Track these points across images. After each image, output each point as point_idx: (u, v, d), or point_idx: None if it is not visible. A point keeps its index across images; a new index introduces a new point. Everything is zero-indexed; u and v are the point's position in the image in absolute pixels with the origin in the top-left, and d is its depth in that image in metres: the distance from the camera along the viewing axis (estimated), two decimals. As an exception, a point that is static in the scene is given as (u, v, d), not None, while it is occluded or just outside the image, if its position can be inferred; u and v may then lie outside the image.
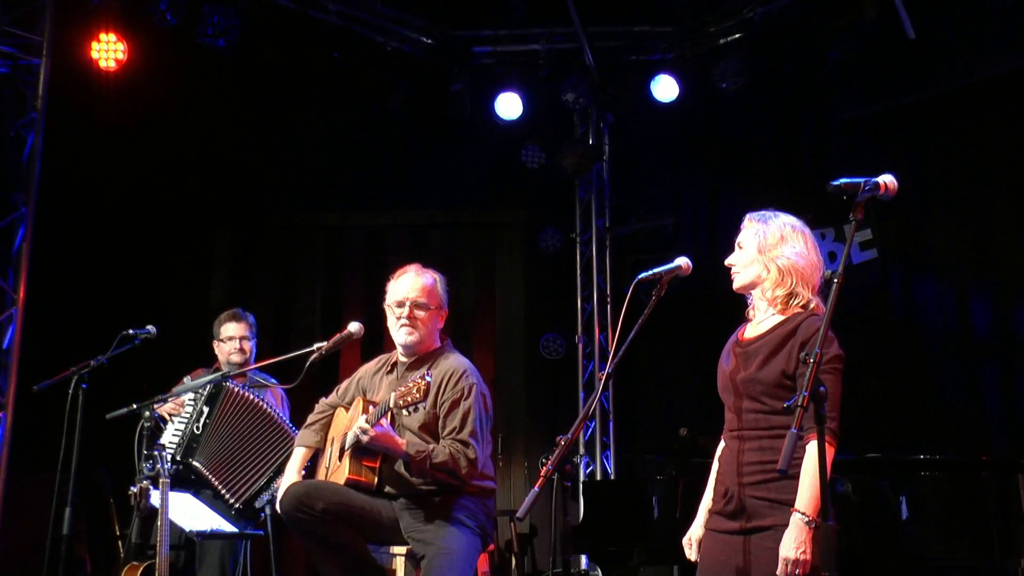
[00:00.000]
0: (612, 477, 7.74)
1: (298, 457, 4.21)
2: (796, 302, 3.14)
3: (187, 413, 5.03)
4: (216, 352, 5.38)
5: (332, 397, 4.34)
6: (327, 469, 4.14)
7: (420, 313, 4.06)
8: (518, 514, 3.19)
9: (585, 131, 7.97)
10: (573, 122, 8.00)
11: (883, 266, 7.38)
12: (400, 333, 4.10)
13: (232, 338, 5.29)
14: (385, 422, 3.80)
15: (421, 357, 4.11)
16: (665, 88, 7.34)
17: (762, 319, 3.22)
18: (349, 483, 3.88)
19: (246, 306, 5.53)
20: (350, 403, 4.20)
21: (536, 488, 3.10)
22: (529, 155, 7.86)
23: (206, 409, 4.98)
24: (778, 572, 2.86)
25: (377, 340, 7.09)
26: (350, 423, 4.00)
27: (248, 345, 5.31)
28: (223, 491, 4.89)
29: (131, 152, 7.10)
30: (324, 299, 8.20)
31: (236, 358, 5.25)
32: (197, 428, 4.96)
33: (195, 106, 7.01)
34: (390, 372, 4.21)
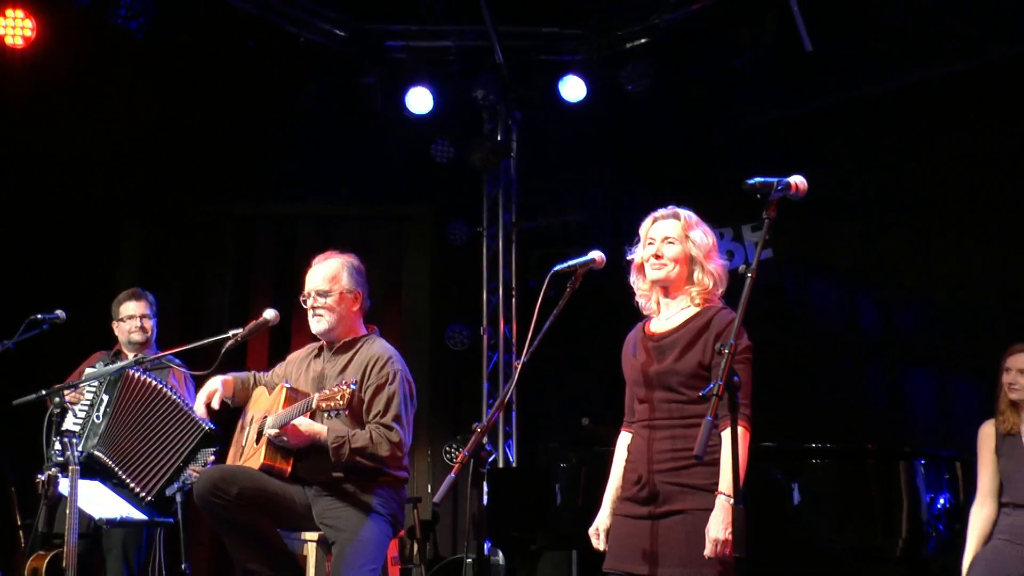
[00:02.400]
0: (515, 465, 7.83)
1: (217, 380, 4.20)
2: (707, 297, 3.27)
3: (87, 401, 4.93)
4: (116, 333, 5.26)
5: (265, 378, 4.33)
6: (242, 449, 4.14)
7: (323, 300, 4.09)
8: (435, 499, 3.25)
9: (494, 128, 8.01)
10: (482, 119, 8.02)
11: (778, 266, 7.62)
12: (311, 323, 4.14)
13: (132, 316, 5.19)
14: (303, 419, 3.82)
15: (346, 343, 4.15)
16: (573, 88, 7.42)
17: (671, 314, 3.31)
18: (264, 468, 3.89)
19: (154, 294, 5.44)
20: (275, 387, 4.20)
21: (452, 474, 3.17)
22: (439, 149, 7.89)
23: (106, 397, 4.88)
24: (707, 552, 2.96)
25: (285, 331, 7.09)
26: (270, 407, 4.00)
27: (149, 324, 5.21)
28: (132, 484, 4.82)
29: (38, 134, 6.89)
30: (234, 288, 8.11)
31: (137, 337, 5.16)
32: (98, 417, 4.87)
33: (106, 89, 6.82)
34: (317, 357, 4.23)
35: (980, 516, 4.40)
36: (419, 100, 7.54)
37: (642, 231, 3.35)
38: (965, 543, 4.39)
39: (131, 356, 5.03)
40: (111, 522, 4.72)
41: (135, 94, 7.00)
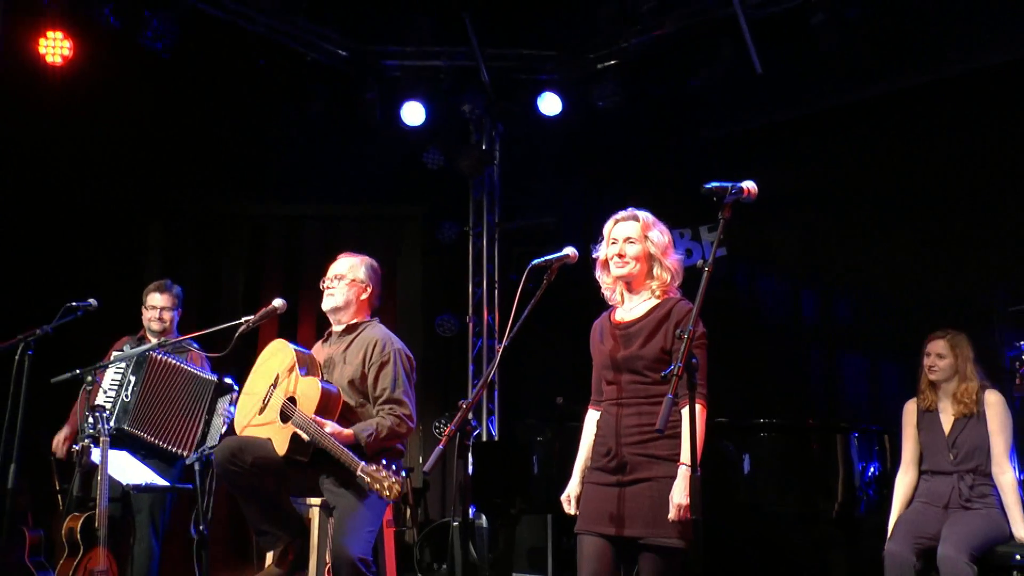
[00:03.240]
0: (497, 439, 7.85)
1: None
2: (665, 289, 3.31)
3: (116, 380, 4.93)
4: (142, 319, 5.28)
5: None
6: (262, 407, 4.03)
7: (336, 283, 4.14)
8: (425, 468, 3.26)
9: (480, 138, 8.01)
10: (469, 130, 8.03)
11: (731, 263, 7.66)
12: (324, 301, 4.17)
13: (155, 307, 5.20)
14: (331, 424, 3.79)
15: (349, 326, 4.16)
16: (550, 104, 7.44)
17: (634, 305, 3.34)
18: (285, 456, 3.82)
19: (180, 286, 5.44)
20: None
21: (441, 446, 3.17)
22: (430, 157, 7.91)
23: (133, 378, 4.90)
24: (670, 516, 3.02)
25: (292, 318, 7.08)
26: (297, 388, 3.92)
27: (168, 315, 5.22)
28: (174, 449, 4.89)
29: (74, 142, 6.86)
30: (246, 280, 8.09)
31: (155, 326, 5.18)
32: (127, 396, 4.87)
33: (134, 103, 6.80)
34: (324, 343, 4.23)
35: (903, 482, 4.44)
36: (413, 113, 7.53)
37: (605, 231, 3.39)
38: (891, 506, 4.42)
39: (153, 341, 5.05)
40: (137, 487, 4.72)
41: (160, 107, 6.99)
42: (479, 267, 8.13)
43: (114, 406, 4.84)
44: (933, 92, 6.57)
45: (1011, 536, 4.12)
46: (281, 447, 3.82)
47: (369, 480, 3.59)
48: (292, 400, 3.91)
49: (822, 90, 6.85)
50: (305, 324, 7.08)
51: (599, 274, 3.42)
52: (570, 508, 3.38)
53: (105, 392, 4.91)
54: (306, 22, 6.99)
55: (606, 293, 3.43)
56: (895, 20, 6.29)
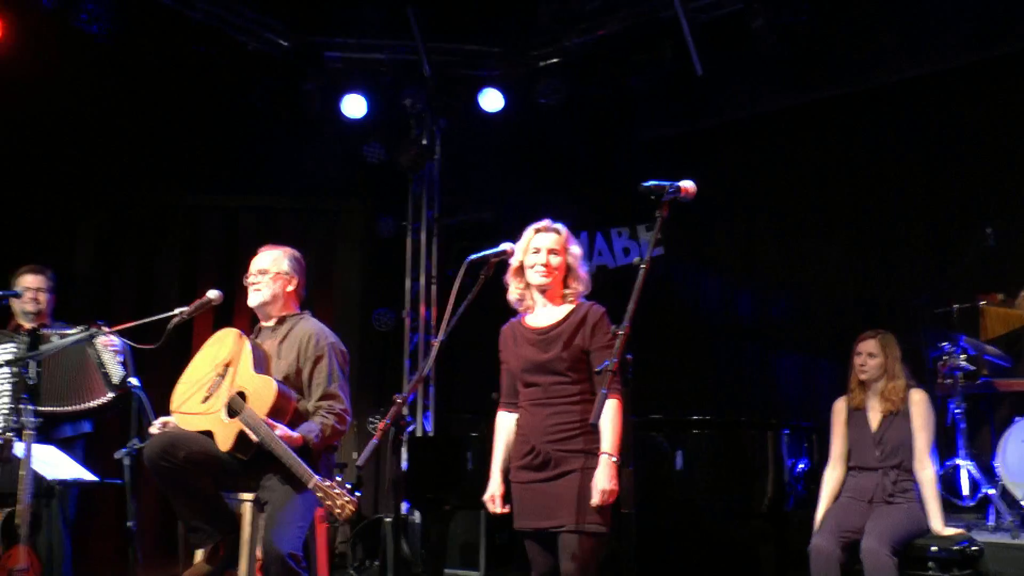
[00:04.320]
0: (431, 435, 7.83)
1: None
2: (576, 296, 3.47)
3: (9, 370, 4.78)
4: (12, 306, 5.07)
5: None
6: (206, 396, 3.93)
7: (262, 278, 4.09)
8: (358, 462, 3.26)
9: (421, 133, 7.95)
10: (410, 124, 7.96)
11: (668, 262, 7.75)
12: (249, 297, 4.12)
13: (28, 288, 5.04)
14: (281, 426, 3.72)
15: (279, 320, 4.11)
16: (491, 100, 7.43)
17: (548, 311, 3.47)
18: (229, 452, 3.76)
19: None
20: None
21: (374, 440, 3.17)
22: (370, 151, 7.82)
23: (32, 363, 4.76)
24: (595, 501, 3.17)
25: (228, 310, 6.97)
26: (251, 386, 3.82)
27: (44, 297, 5.05)
28: (90, 403, 4.87)
29: (4, 126, 6.66)
30: (182, 271, 7.96)
31: (29, 307, 5.01)
32: (31, 379, 4.73)
33: (68, 87, 6.62)
34: (256, 337, 4.17)
35: (831, 478, 4.54)
36: (354, 106, 7.47)
37: (524, 239, 3.49)
38: (819, 500, 4.52)
39: (28, 327, 4.93)
40: (63, 483, 4.60)
41: (95, 92, 6.81)
42: (417, 262, 8.09)
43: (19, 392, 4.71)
44: (867, 100, 6.73)
45: (929, 529, 4.25)
46: (225, 443, 3.74)
47: (322, 495, 3.54)
48: (242, 395, 3.83)
49: (761, 94, 6.96)
50: (241, 316, 6.95)
51: (510, 279, 3.52)
52: (495, 507, 3.46)
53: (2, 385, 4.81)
54: (248, 10, 6.88)
55: (513, 297, 3.53)
56: (834, 27, 6.41)
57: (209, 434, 3.80)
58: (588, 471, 3.23)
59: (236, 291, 6.90)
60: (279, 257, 4.15)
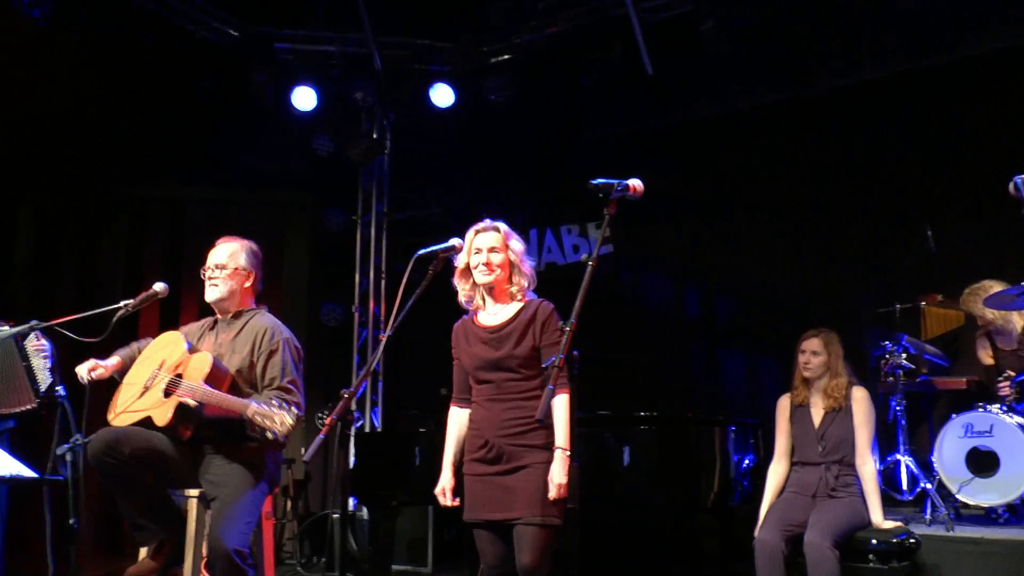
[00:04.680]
0: (380, 430, 7.80)
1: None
2: (523, 293, 3.53)
3: None
4: None
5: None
6: (144, 391, 3.91)
7: (220, 272, 4.06)
8: (305, 458, 3.24)
9: (371, 127, 7.93)
10: (361, 118, 7.93)
11: (617, 259, 7.81)
12: (207, 292, 4.08)
13: None
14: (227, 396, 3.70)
15: (235, 314, 4.08)
16: (442, 95, 7.42)
17: (498, 309, 3.53)
18: (166, 427, 3.72)
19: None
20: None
21: (321, 435, 3.15)
22: (320, 144, 7.75)
23: None
24: (551, 495, 3.24)
25: (175, 303, 6.87)
26: (185, 366, 3.81)
27: None
28: (16, 409, 4.76)
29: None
30: (127, 265, 7.83)
31: None
32: None
33: (9, 73, 6.44)
34: (211, 330, 4.12)
35: (776, 472, 4.62)
36: (304, 98, 7.41)
37: (466, 242, 3.56)
38: (764, 495, 4.59)
39: None
40: (1, 479, 4.49)
41: (38, 79, 6.64)
42: (366, 256, 8.06)
43: None
44: (813, 105, 6.85)
45: (869, 522, 4.35)
46: (163, 418, 3.71)
47: (260, 418, 3.55)
48: (179, 376, 3.81)
49: (710, 96, 7.05)
50: (187, 309, 6.87)
51: (457, 281, 3.59)
52: (446, 500, 3.52)
53: None
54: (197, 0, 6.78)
55: (463, 299, 3.60)
56: (781, 33, 6.50)
57: (149, 421, 3.75)
58: (542, 465, 3.28)
59: (182, 284, 6.82)
60: (236, 252, 4.10)
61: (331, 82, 7.48)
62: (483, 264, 3.48)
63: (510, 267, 3.52)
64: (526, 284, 3.53)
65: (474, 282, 3.54)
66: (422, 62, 7.56)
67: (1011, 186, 2.50)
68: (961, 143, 6.42)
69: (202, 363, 3.81)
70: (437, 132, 7.91)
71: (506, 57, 7.21)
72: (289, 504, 7.46)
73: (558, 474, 3.24)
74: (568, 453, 3.24)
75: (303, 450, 7.45)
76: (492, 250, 3.49)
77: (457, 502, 3.51)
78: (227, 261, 4.07)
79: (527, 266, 3.55)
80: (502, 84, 7.11)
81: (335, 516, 6.52)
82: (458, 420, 3.61)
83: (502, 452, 3.37)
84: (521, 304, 3.51)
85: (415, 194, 8.17)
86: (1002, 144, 6.17)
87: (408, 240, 7.92)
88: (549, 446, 3.30)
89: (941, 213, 6.21)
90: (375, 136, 7.88)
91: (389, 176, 8.15)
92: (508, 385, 3.41)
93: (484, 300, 3.57)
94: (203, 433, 3.81)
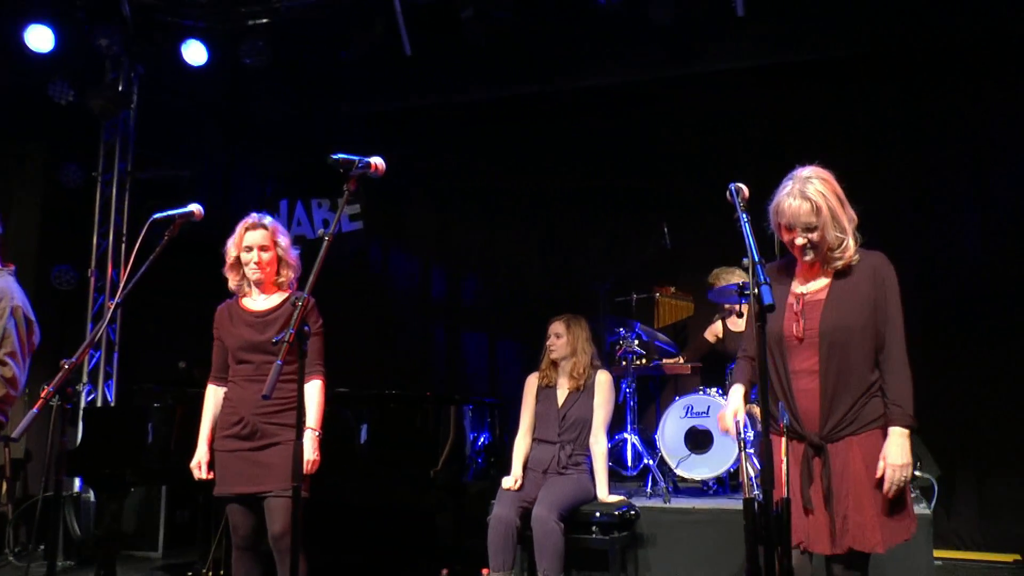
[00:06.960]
0: (113, 405, 7.34)
1: None
2: (289, 282, 3.78)
3: None
4: None
5: None
6: None
7: None
8: (14, 434, 2.99)
9: (117, 77, 7.32)
10: (105, 67, 7.31)
11: (367, 238, 7.77)
12: None
13: None
14: None
15: None
16: (195, 53, 7.01)
17: (266, 296, 3.75)
18: None
19: None
20: None
21: (35, 409, 2.95)
22: (57, 90, 7.05)
23: None
24: (306, 470, 3.45)
25: None
26: None
27: None
28: None
29: None
30: None
31: None
32: None
33: None
34: None
35: (521, 447, 4.79)
36: (39, 38, 6.73)
37: (236, 236, 3.73)
38: (510, 468, 4.74)
39: None
40: None
41: None
42: (106, 217, 7.50)
43: None
44: (563, 100, 7.13)
45: (596, 497, 4.62)
46: None
47: None
48: None
49: (467, 82, 7.13)
50: None
51: (228, 273, 3.77)
52: (201, 473, 3.68)
53: None
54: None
55: (232, 287, 3.79)
56: (538, 29, 6.67)
57: None
58: (294, 442, 3.24)
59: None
60: None
61: (72, 23, 6.84)
62: (254, 263, 3.69)
63: (278, 262, 3.74)
64: (292, 276, 3.77)
65: (244, 275, 3.74)
66: (175, 15, 7.07)
67: (727, 193, 2.71)
68: (695, 148, 6.92)
69: None
70: (189, 91, 7.48)
71: (264, 21, 6.90)
72: (5, 486, 6.86)
73: (309, 451, 3.48)
74: (319, 433, 3.54)
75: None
76: (262, 248, 3.69)
77: (212, 475, 3.64)
78: None
79: (293, 256, 3.77)
80: (258, 48, 6.79)
81: (49, 497, 6.06)
82: (215, 398, 3.78)
83: (256, 429, 3.58)
84: (286, 294, 3.74)
85: (162, 154, 7.69)
86: (727, 151, 6.72)
87: (154, 202, 7.43)
88: (302, 425, 3.30)
89: (676, 211, 6.66)
90: (120, 88, 7.30)
91: (135, 133, 7.60)
92: (266, 367, 3.54)
93: (251, 288, 3.77)
94: None
